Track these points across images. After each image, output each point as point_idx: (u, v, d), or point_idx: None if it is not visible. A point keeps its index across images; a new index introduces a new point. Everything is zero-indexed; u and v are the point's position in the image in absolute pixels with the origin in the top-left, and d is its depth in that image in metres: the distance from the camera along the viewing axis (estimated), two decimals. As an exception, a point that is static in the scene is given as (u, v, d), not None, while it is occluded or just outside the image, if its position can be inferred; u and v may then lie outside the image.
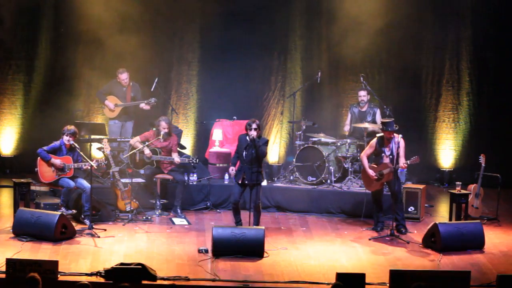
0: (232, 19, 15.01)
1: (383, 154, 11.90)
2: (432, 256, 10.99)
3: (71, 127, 12.00)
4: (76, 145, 12.01)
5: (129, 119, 13.82)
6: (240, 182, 11.45)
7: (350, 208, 13.07)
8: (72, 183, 11.91)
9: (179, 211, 12.65)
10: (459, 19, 15.28)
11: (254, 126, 11.36)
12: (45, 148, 11.93)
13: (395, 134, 11.90)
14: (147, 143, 12.61)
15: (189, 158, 12.80)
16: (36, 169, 11.97)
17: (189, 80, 15.29)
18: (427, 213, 13.33)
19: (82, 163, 11.94)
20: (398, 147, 11.76)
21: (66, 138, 11.92)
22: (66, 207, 12.02)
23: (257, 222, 11.49)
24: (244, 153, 11.39)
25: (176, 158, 12.57)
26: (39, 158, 11.89)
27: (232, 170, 11.63)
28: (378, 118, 13.71)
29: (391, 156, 11.83)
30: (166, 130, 12.55)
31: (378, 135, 12.19)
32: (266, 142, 11.45)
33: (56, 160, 11.87)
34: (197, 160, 12.74)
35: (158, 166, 12.65)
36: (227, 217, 12.70)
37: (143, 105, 13.56)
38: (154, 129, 12.80)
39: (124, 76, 13.61)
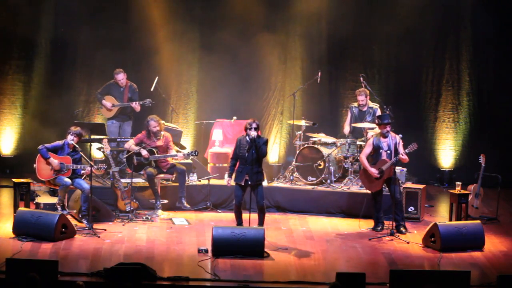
0: (232, 19, 15.01)
1: (381, 151, 11.92)
2: (432, 256, 10.99)
3: (78, 128, 12.04)
4: (79, 148, 12.01)
5: (127, 119, 13.80)
6: (243, 183, 11.43)
7: (350, 208, 13.05)
8: (68, 182, 11.89)
9: (184, 201, 12.61)
10: (459, 19, 15.29)
11: (254, 125, 11.35)
12: (47, 145, 11.94)
13: (393, 134, 11.91)
14: (143, 145, 12.59)
15: (188, 152, 12.77)
16: (34, 165, 11.97)
17: (189, 80, 15.29)
18: (427, 213, 13.32)
19: (80, 165, 11.94)
20: (396, 143, 11.78)
21: (70, 138, 11.93)
22: (62, 207, 12.01)
23: (261, 223, 11.49)
24: (246, 154, 11.37)
25: (174, 152, 12.53)
26: (39, 154, 11.91)
27: (229, 182, 11.65)
28: (378, 118, 13.73)
29: (388, 152, 11.85)
30: (156, 128, 12.53)
31: (374, 134, 12.21)
32: (265, 142, 11.43)
33: (54, 160, 11.86)
34: (197, 152, 12.71)
35: (157, 166, 12.64)
36: (227, 217, 12.71)
37: (134, 105, 13.54)
38: (144, 130, 12.76)
39: (120, 77, 13.61)
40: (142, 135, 12.72)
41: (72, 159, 11.96)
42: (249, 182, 11.34)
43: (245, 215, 11.56)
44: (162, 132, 12.70)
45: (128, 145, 12.69)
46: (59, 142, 12.03)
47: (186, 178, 12.91)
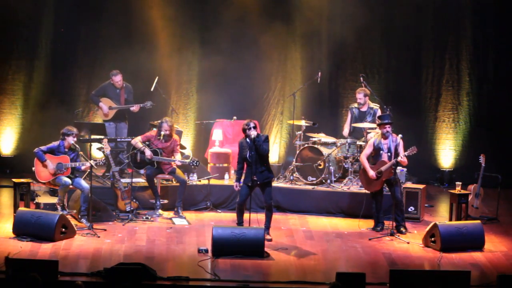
0: (232, 20, 15.01)
1: (381, 152, 11.92)
2: (432, 256, 10.99)
3: (74, 129, 12.01)
4: (77, 146, 12.01)
5: (123, 120, 13.76)
6: (250, 184, 11.39)
7: (350, 208, 13.05)
8: (68, 181, 11.88)
9: (180, 211, 12.64)
10: (459, 19, 15.30)
11: (252, 125, 11.33)
12: (42, 148, 11.93)
13: (394, 134, 11.91)
14: (147, 143, 12.60)
15: (189, 159, 12.77)
16: (33, 168, 11.98)
17: (189, 80, 15.29)
18: (427, 213, 13.32)
19: (79, 162, 11.94)
20: (397, 144, 11.79)
21: (71, 139, 11.90)
22: (62, 207, 12.01)
23: (269, 222, 11.47)
24: (248, 154, 11.36)
25: (177, 159, 12.53)
26: (35, 157, 11.92)
27: (237, 187, 11.51)
28: (378, 118, 13.73)
29: (389, 154, 11.85)
30: (167, 132, 12.52)
31: (375, 134, 12.21)
32: (266, 139, 11.39)
33: (50, 164, 11.85)
34: (198, 162, 12.71)
35: (158, 166, 12.63)
36: (227, 217, 12.71)
37: (134, 107, 13.51)
38: (154, 128, 12.79)
39: (118, 78, 13.58)
40: (151, 134, 12.71)
41: (70, 157, 11.95)
42: (258, 182, 11.32)
43: (245, 215, 11.56)
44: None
45: (135, 142, 12.69)
46: (54, 143, 12.01)
47: (185, 188, 12.81)
